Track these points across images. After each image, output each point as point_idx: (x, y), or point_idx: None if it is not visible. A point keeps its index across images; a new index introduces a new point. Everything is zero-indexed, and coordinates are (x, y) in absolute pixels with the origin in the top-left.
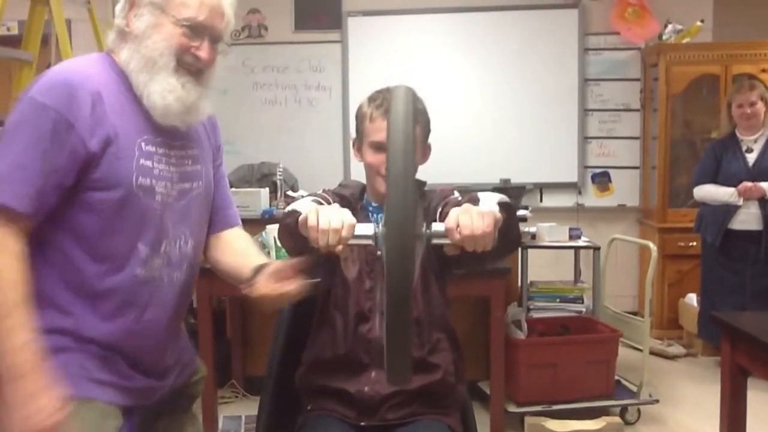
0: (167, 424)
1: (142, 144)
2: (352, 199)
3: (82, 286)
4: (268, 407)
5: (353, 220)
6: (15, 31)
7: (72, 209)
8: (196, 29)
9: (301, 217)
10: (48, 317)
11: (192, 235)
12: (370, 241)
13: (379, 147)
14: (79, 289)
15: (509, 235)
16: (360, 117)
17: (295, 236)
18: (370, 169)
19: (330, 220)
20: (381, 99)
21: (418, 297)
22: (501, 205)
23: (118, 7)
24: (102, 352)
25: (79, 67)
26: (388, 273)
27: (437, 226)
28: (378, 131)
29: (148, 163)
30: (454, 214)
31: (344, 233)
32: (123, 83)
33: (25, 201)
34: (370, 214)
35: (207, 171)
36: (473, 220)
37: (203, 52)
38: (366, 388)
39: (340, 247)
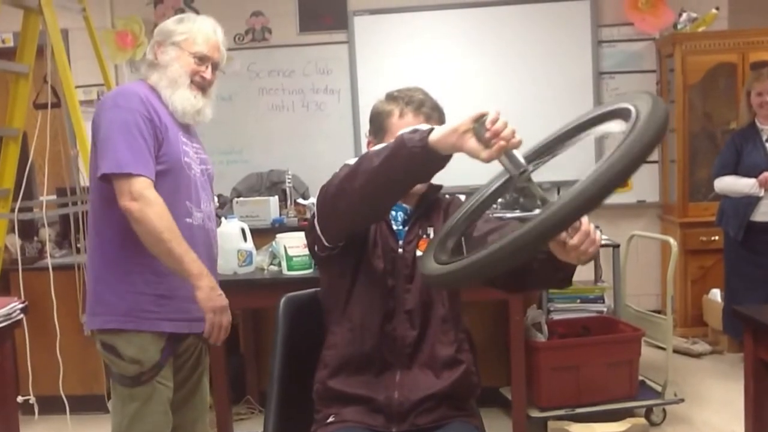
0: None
1: (180, 136)
2: None
3: None
4: (275, 422)
5: None
6: (10, 44)
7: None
8: (202, 59)
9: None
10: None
11: (211, 199)
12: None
13: None
14: None
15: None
16: (385, 113)
17: (406, 160)
18: None
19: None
20: (407, 97)
21: (444, 297)
22: None
23: (148, 48)
24: (169, 293)
25: (132, 86)
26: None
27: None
28: (408, 126)
29: (186, 148)
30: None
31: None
32: (156, 96)
33: (153, 170)
34: (393, 210)
35: (209, 160)
36: (594, 231)
37: (207, 75)
38: (396, 394)
39: (503, 145)
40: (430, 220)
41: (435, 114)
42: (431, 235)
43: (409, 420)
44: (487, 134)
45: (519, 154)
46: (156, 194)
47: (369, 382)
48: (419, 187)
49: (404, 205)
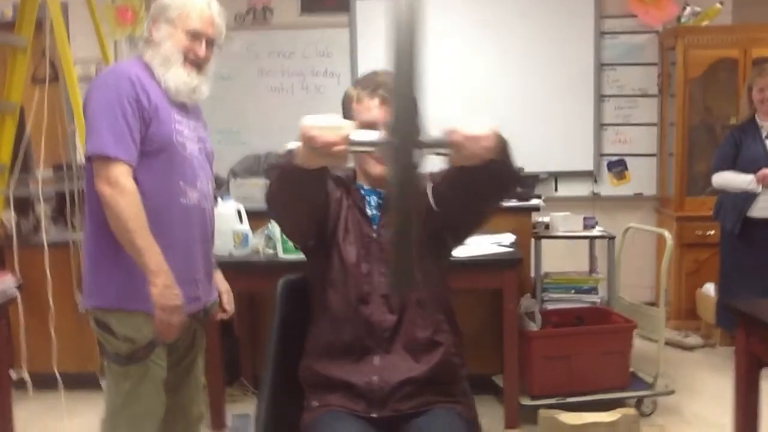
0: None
1: (175, 115)
2: (346, 180)
3: (149, 213)
4: (268, 405)
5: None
6: (9, 17)
7: (143, 157)
8: (195, 35)
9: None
10: None
11: (209, 178)
12: (371, 148)
13: (368, 127)
14: (147, 216)
15: (507, 166)
16: (346, 101)
17: (288, 176)
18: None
19: (330, 118)
20: (367, 80)
21: (419, 279)
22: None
23: (144, 25)
24: None
25: (125, 65)
26: (394, 173)
27: (436, 134)
28: (366, 110)
29: (180, 127)
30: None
31: (345, 131)
32: (150, 75)
33: (134, 154)
34: (365, 196)
35: (208, 138)
36: (471, 123)
37: (201, 52)
38: (375, 378)
39: (342, 147)
40: None
41: None
42: None
43: (390, 405)
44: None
45: (363, 134)
46: (132, 183)
47: (349, 368)
48: None
49: (378, 189)
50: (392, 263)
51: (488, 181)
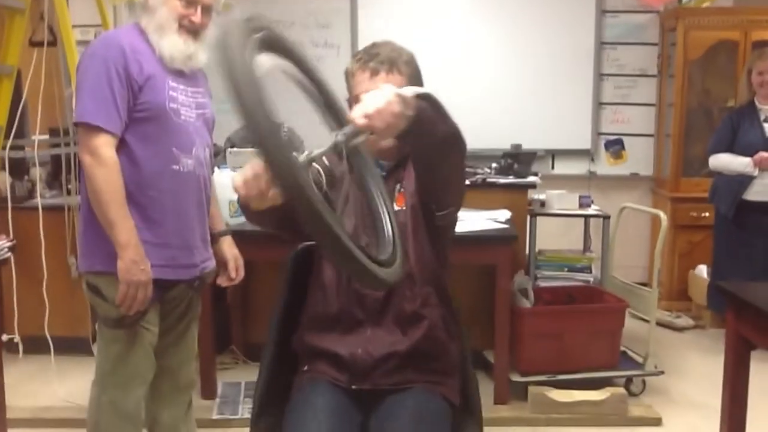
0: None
1: (170, 81)
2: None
3: (142, 180)
4: (267, 371)
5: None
6: None
7: (134, 124)
8: (190, 2)
9: None
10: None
11: (206, 145)
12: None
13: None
14: (139, 183)
15: (436, 124)
16: (346, 78)
17: (253, 216)
18: None
19: (249, 168)
20: (361, 53)
21: (410, 251)
22: (420, 96)
23: None
24: (156, 240)
25: (119, 32)
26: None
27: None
28: (359, 84)
29: (174, 94)
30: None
31: (264, 176)
32: (146, 41)
33: (117, 123)
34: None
35: (210, 103)
36: (371, 96)
37: (196, 18)
38: (359, 350)
39: (271, 193)
40: (400, 175)
41: (383, 67)
42: (402, 191)
43: (371, 379)
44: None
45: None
46: (112, 154)
47: (338, 339)
48: (391, 142)
49: (381, 161)
50: (345, 270)
51: (428, 145)
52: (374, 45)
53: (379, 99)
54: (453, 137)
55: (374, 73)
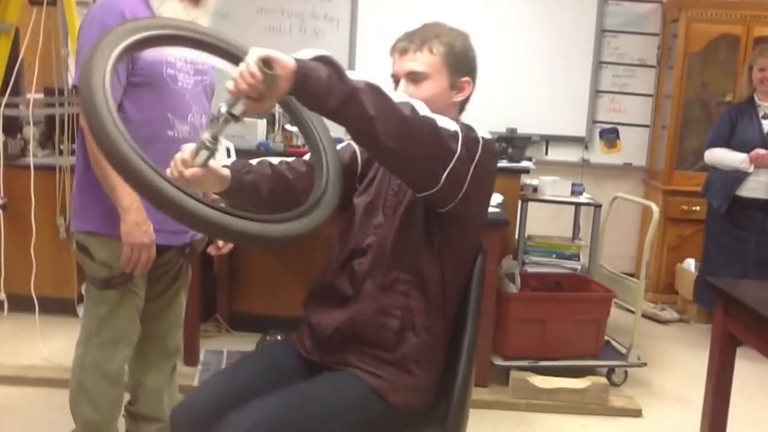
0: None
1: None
2: None
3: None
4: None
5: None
6: None
7: (130, 89)
8: None
9: None
10: None
11: (204, 112)
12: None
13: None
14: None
15: (331, 88)
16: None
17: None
18: None
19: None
20: (403, 34)
21: (392, 234)
22: (318, 59)
23: None
24: (146, 204)
25: None
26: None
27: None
28: (393, 63)
29: (172, 60)
30: None
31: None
32: (147, 6)
33: (116, 87)
34: None
35: (210, 71)
36: (242, 66)
37: None
38: (319, 322)
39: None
40: None
41: (412, 46)
42: None
43: (320, 352)
44: None
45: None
46: None
47: (320, 309)
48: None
49: None
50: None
51: (332, 114)
52: (422, 26)
53: (242, 64)
54: (354, 105)
55: (403, 52)
